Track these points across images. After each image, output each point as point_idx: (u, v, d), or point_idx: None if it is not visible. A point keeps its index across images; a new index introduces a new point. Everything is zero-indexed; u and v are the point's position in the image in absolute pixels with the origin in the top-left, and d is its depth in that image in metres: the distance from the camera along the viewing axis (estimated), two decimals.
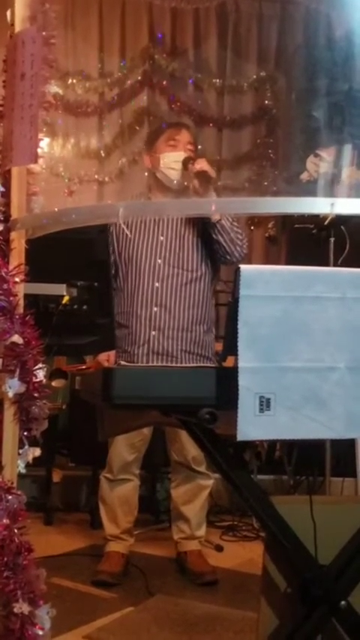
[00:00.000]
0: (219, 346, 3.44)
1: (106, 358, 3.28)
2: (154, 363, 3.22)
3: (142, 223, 3.33)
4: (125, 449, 3.42)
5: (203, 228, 3.34)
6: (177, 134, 3.41)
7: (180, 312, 3.30)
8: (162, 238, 3.33)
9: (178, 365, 3.16)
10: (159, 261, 3.32)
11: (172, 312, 3.29)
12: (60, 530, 4.22)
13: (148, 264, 3.31)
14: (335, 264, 3.75)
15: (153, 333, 3.28)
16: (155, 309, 3.29)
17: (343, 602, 1.78)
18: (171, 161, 3.33)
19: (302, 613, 1.79)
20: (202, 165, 3.25)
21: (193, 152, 3.40)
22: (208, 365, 3.17)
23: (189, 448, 3.37)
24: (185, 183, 3.32)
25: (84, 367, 4.05)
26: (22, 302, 1.65)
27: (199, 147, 5.34)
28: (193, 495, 3.48)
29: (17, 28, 1.70)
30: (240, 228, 3.37)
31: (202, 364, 3.22)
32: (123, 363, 3.17)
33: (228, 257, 3.34)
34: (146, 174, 3.56)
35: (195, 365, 3.15)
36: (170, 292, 3.30)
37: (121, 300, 3.31)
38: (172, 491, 3.56)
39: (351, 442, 4.02)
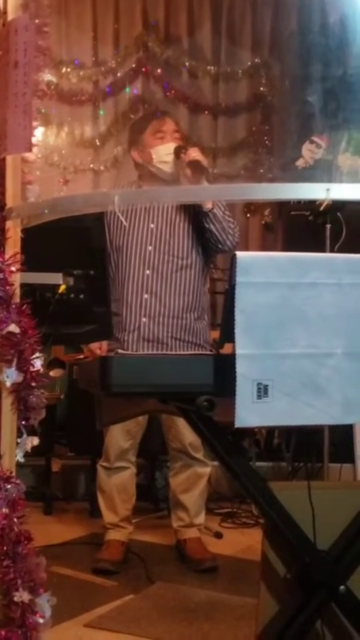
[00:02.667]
0: (215, 334, 3.44)
1: (99, 346, 3.28)
2: (144, 350, 3.23)
3: (133, 211, 3.33)
4: (121, 436, 3.42)
5: (195, 217, 3.33)
6: (162, 125, 3.40)
7: (170, 300, 3.30)
8: (152, 226, 3.33)
9: (175, 352, 3.16)
10: (149, 248, 3.32)
11: (162, 299, 3.29)
12: (59, 519, 4.23)
13: (139, 251, 3.31)
14: (332, 251, 3.75)
15: (143, 319, 3.28)
16: (145, 296, 3.29)
17: (342, 587, 1.79)
18: (163, 154, 3.32)
19: (302, 598, 1.80)
20: (194, 154, 3.24)
21: (180, 139, 3.40)
22: (205, 352, 3.17)
23: (186, 434, 3.38)
24: (178, 172, 3.31)
25: (82, 356, 4.05)
26: (18, 291, 1.65)
27: (193, 134, 5.37)
28: (191, 484, 3.48)
29: (10, 16, 1.70)
30: (232, 218, 3.36)
31: (192, 351, 3.23)
32: (120, 351, 3.17)
33: (220, 246, 3.34)
34: (135, 168, 3.51)
35: (192, 352, 3.15)
36: (161, 279, 3.30)
37: (113, 287, 3.31)
38: (170, 480, 3.57)
39: (349, 428, 4.03)
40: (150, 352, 3.17)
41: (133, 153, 3.47)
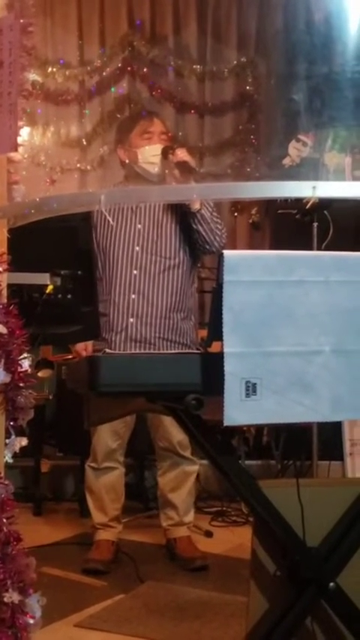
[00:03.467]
0: (204, 333, 3.44)
1: (84, 347, 3.28)
2: (132, 350, 3.22)
3: (119, 212, 3.33)
4: (109, 436, 3.42)
5: (182, 217, 3.34)
6: (150, 126, 3.40)
7: (158, 300, 3.30)
8: (140, 226, 3.33)
9: (163, 352, 3.16)
10: (137, 248, 3.32)
11: (149, 299, 3.30)
12: (49, 519, 4.22)
13: (126, 252, 3.32)
14: (319, 249, 3.76)
15: (131, 320, 3.29)
16: (133, 296, 3.30)
17: (331, 584, 1.79)
18: (150, 155, 3.33)
19: (291, 595, 1.80)
20: (182, 155, 3.24)
21: (167, 141, 3.40)
22: (194, 351, 3.17)
23: (174, 433, 3.38)
24: (166, 172, 3.31)
25: (70, 357, 4.04)
26: (5, 292, 1.64)
27: (180, 133, 5.38)
28: (179, 482, 3.48)
29: None
30: (219, 219, 3.37)
31: (179, 351, 3.23)
32: (108, 350, 3.17)
33: (207, 247, 3.35)
34: (122, 167, 3.51)
35: (180, 351, 3.15)
36: (148, 280, 3.30)
37: (100, 288, 3.31)
38: (158, 479, 3.57)
39: (337, 425, 4.04)
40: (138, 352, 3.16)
41: (120, 152, 3.47)
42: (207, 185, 3.32)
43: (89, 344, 3.25)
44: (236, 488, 1.86)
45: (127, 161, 3.42)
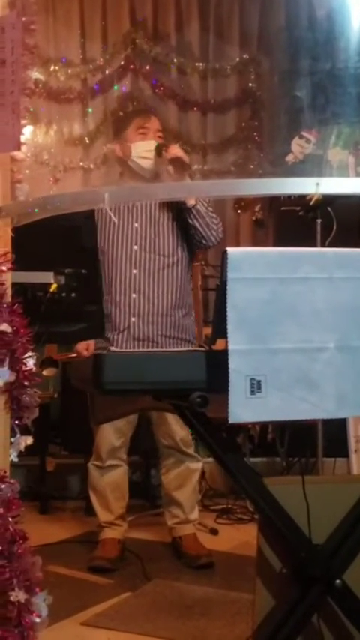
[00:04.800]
0: (208, 330, 3.44)
1: (86, 347, 3.29)
2: (135, 349, 3.23)
3: (115, 211, 3.33)
4: (112, 434, 3.42)
5: (178, 213, 3.35)
6: (146, 122, 3.43)
7: (158, 298, 3.32)
8: (136, 225, 3.35)
9: (168, 349, 3.16)
10: (135, 247, 3.33)
11: (150, 297, 3.31)
12: (55, 518, 4.23)
13: (124, 251, 3.33)
14: (323, 246, 3.76)
15: (133, 319, 3.30)
16: (134, 295, 3.31)
17: (338, 581, 1.79)
18: (143, 150, 3.35)
19: (298, 593, 1.80)
20: (175, 151, 3.27)
21: (162, 139, 3.42)
22: (198, 349, 3.17)
23: (176, 430, 3.39)
24: (160, 169, 3.32)
25: (75, 355, 4.05)
26: (9, 291, 1.64)
27: (183, 131, 5.37)
28: (183, 480, 3.48)
29: None
30: (215, 213, 3.38)
31: (182, 348, 3.23)
32: (113, 348, 3.17)
33: (204, 242, 3.37)
34: (117, 163, 3.53)
35: (185, 349, 3.15)
36: (147, 278, 3.32)
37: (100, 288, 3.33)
38: (162, 477, 3.56)
39: (342, 422, 4.04)
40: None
41: (115, 146, 3.49)
42: (211, 182, 3.33)
43: (91, 343, 3.25)
44: (241, 486, 1.86)
45: (120, 155, 3.45)
